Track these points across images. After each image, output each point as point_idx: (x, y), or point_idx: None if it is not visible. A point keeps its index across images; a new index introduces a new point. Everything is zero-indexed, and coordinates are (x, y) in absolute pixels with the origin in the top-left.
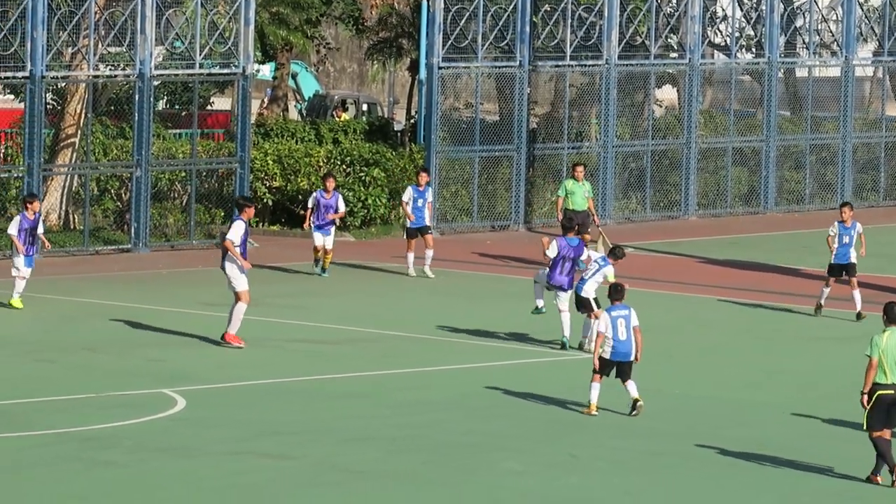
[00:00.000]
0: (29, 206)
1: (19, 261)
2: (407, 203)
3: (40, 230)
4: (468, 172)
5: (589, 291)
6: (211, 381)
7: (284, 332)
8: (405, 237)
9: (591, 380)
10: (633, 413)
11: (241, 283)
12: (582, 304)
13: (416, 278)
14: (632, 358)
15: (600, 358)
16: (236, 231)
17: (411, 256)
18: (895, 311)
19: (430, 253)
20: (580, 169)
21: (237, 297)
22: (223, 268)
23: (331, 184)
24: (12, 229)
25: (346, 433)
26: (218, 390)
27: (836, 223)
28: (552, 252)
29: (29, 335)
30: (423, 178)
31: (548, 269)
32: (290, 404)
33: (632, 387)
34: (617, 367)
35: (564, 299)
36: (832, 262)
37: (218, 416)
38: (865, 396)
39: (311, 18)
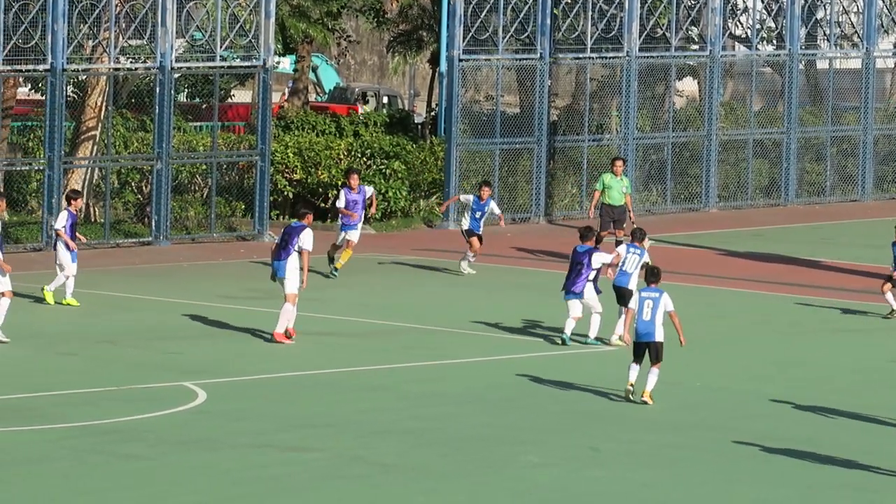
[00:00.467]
0: (73, 202)
1: (67, 258)
2: (464, 204)
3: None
4: (489, 165)
5: (633, 285)
6: (232, 374)
7: (304, 324)
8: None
9: (631, 362)
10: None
11: (291, 284)
12: (623, 297)
13: (437, 272)
14: (655, 339)
15: (634, 343)
16: (309, 239)
17: (471, 255)
18: None
19: (471, 255)
20: (619, 163)
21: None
22: (282, 270)
23: (354, 180)
24: (60, 224)
25: (367, 426)
26: (239, 383)
27: None
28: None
29: (50, 328)
30: (486, 191)
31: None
32: (311, 397)
33: (652, 379)
34: (647, 348)
35: (575, 307)
36: None
37: (239, 409)
38: None
39: (331, 11)
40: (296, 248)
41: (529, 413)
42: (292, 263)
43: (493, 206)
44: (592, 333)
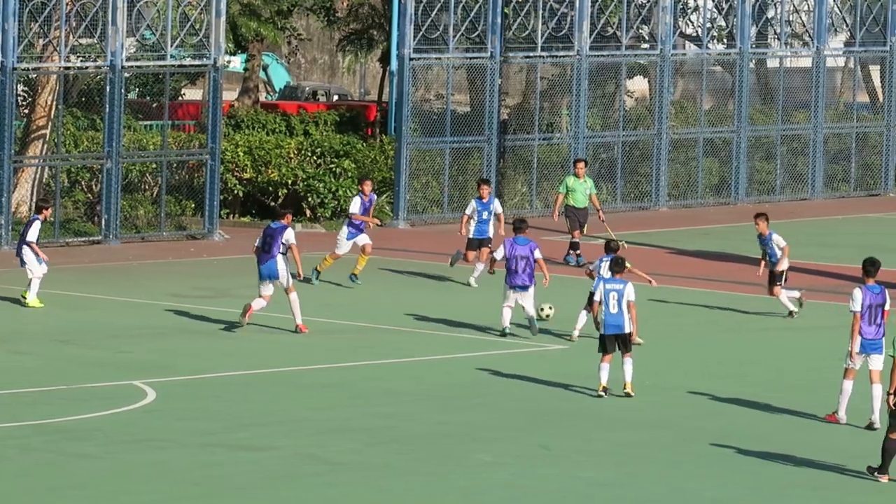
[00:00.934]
0: (44, 211)
1: (36, 264)
2: (469, 216)
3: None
4: (439, 164)
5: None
6: (181, 372)
7: (256, 323)
8: (465, 248)
9: (601, 360)
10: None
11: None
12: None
13: (388, 271)
14: (626, 331)
15: (600, 336)
16: (294, 235)
17: (480, 266)
18: None
19: (480, 266)
20: (581, 165)
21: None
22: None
23: (368, 187)
24: (33, 236)
25: (320, 424)
26: (188, 382)
27: None
28: (499, 255)
29: (0, 327)
30: (485, 189)
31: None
32: (263, 396)
33: (628, 369)
34: (617, 340)
35: (529, 297)
36: None
37: (189, 408)
38: (892, 396)
39: (282, 9)
40: (282, 248)
41: (484, 411)
42: (282, 262)
43: (497, 205)
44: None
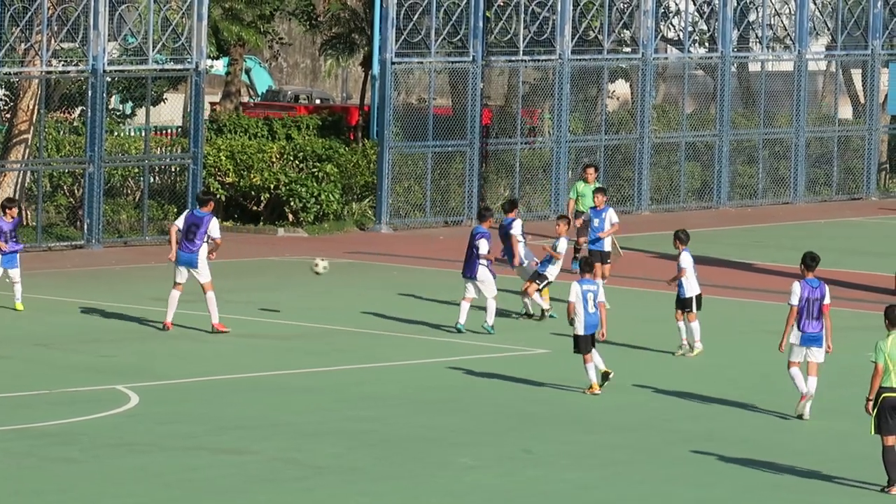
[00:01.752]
0: (8, 211)
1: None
2: (583, 223)
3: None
4: (421, 168)
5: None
6: (164, 377)
7: (237, 327)
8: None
9: (584, 361)
10: (603, 384)
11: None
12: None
13: (370, 275)
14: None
15: (578, 336)
16: (218, 228)
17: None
18: None
19: (600, 282)
20: (591, 171)
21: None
22: (194, 262)
23: (599, 199)
24: None
25: (301, 428)
26: (171, 386)
27: None
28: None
29: None
30: (600, 199)
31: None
32: (245, 400)
33: (599, 360)
34: (592, 338)
35: (469, 289)
36: None
37: (172, 412)
38: (871, 402)
39: (264, 14)
40: (206, 238)
41: (465, 415)
42: (203, 253)
43: (612, 215)
44: (489, 319)
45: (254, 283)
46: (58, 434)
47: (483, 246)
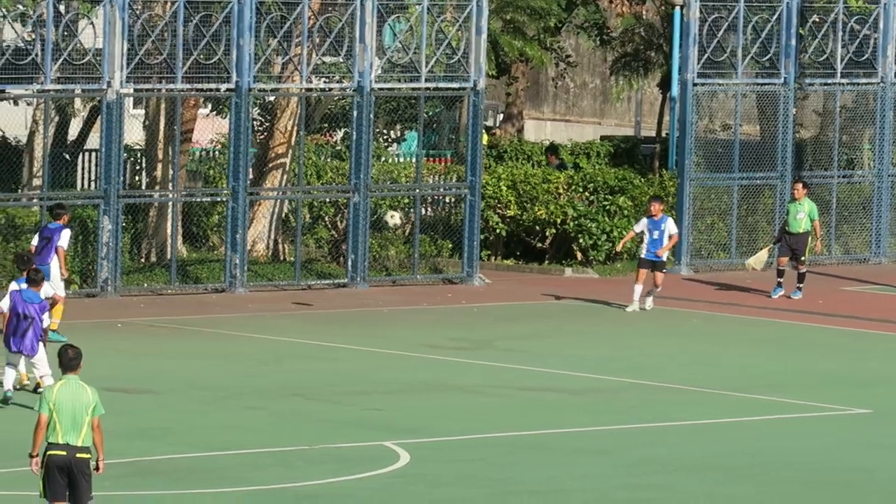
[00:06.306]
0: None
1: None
2: (638, 233)
3: None
4: (726, 202)
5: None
6: (436, 433)
7: (514, 378)
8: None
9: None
10: None
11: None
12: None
13: (665, 323)
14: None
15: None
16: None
17: (639, 289)
18: (69, 356)
19: (656, 290)
20: (799, 187)
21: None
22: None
23: (656, 207)
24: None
25: (577, 496)
26: (444, 443)
27: None
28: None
29: (227, 378)
30: (656, 207)
31: None
32: (521, 461)
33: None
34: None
35: None
36: None
37: (447, 473)
38: (35, 460)
39: (549, 26)
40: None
41: (761, 484)
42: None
43: (671, 225)
44: None
45: (532, 329)
46: (320, 495)
47: None
